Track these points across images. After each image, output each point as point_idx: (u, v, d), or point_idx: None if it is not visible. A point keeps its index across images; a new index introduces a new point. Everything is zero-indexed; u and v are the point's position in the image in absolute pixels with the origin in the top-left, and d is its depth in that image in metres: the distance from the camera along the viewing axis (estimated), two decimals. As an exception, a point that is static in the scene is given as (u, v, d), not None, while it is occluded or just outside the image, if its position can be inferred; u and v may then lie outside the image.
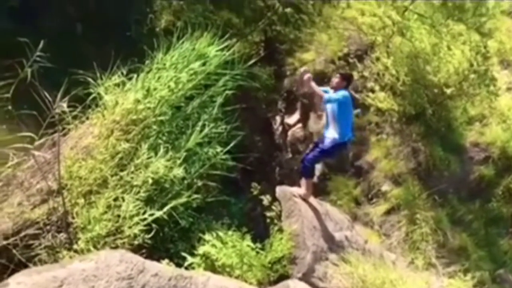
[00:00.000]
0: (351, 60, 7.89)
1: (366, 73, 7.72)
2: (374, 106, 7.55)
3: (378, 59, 7.81)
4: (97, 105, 5.73)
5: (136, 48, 6.95)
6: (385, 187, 7.17)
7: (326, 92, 5.76)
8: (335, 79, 5.85)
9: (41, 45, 5.13)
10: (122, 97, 5.67)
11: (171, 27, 7.46)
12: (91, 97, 5.74)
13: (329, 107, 5.68)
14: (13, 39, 6.41)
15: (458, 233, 7.05)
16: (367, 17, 8.17)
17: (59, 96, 5.23)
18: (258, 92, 8.04)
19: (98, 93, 5.82)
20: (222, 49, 6.59)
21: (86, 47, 7.85)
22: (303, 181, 5.81)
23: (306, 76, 5.71)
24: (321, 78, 7.62)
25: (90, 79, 5.95)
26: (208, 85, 6.30)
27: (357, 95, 7.63)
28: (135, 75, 5.99)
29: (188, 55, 6.18)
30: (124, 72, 5.97)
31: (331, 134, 5.64)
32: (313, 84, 5.70)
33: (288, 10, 8.57)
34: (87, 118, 5.59)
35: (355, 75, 7.70)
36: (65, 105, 5.15)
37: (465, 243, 6.98)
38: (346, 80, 5.82)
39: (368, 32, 8.00)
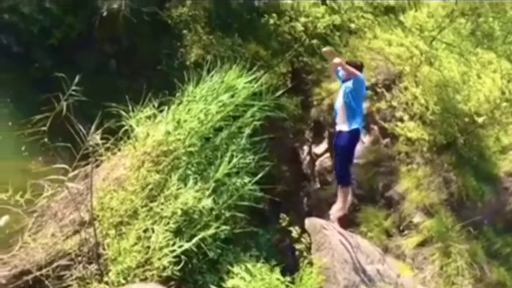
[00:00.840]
0: (379, 90, 7.87)
1: (394, 103, 7.67)
2: (404, 135, 7.45)
3: (406, 88, 7.76)
4: (129, 137, 5.88)
5: (167, 81, 7.16)
6: (416, 219, 6.99)
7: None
8: (347, 69, 5.93)
9: (76, 80, 5.34)
10: (153, 129, 5.81)
11: (201, 60, 7.65)
12: (123, 129, 5.91)
13: (341, 95, 5.80)
14: (51, 75, 6.74)
15: (495, 267, 6.77)
16: (394, 47, 8.17)
17: (92, 128, 5.42)
18: (286, 122, 8.09)
19: (130, 125, 5.99)
20: (250, 81, 6.71)
21: (119, 81, 8.14)
22: (339, 191, 5.79)
23: (336, 59, 5.76)
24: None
25: (122, 112, 6.14)
26: (236, 116, 6.39)
27: (385, 125, 7.58)
28: (166, 108, 6.14)
29: (217, 88, 6.31)
30: (156, 105, 6.14)
31: (343, 127, 5.74)
32: (344, 64, 5.79)
33: (315, 41, 8.68)
34: (119, 150, 5.73)
35: (384, 104, 7.68)
36: (98, 137, 5.32)
37: (503, 278, 6.69)
38: (357, 68, 6.00)
39: (395, 62, 7.99)
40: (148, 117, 6.07)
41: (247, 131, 6.15)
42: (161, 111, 6.14)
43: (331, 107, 7.75)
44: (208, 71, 6.56)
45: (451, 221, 6.89)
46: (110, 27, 8.21)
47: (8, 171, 6.09)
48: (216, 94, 6.24)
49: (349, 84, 5.90)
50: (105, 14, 7.88)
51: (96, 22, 8.01)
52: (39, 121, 5.67)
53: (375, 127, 7.69)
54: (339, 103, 6.04)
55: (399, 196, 7.23)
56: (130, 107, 6.15)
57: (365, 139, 7.63)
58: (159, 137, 5.61)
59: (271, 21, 8.69)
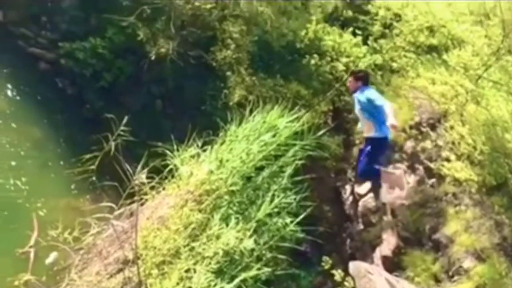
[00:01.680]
0: (423, 129, 7.72)
1: (440, 142, 7.48)
2: (451, 176, 7.21)
3: (452, 127, 7.57)
4: (173, 176, 6.02)
5: (210, 121, 7.34)
6: (467, 264, 6.64)
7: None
8: (349, 83, 5.95)
9: (124, 121, 5.58)
10: (196, 168, 5.93)
11: (243, 101, 7.80)
12: (168, 169, 6.06)
13: (358, 108, 5.75)
14: (101, 115, 7.08)
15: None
16: (438, 86, 8.04)
17: (139, 167, 5.60)
18: (327, 162, 8.03)
19: (175, 165, 6.14)
20: (292, 121, 6.77)
21: (165, 121, 8.41)
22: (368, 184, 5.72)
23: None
24: (392, 147, 7.52)
25: (167, 151, 6.32)
26: (278, 156, 6.43)
27: (431, 165, 7.38)
28: (209, 147, 6.28)
29: (259, 127, 6.40)
30: (199, 144, 6.29)
31: (370, 133, 5.79)
32: (394, 117, 5.94)
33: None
34: (164, 189, 5.86)
35: (429, 144, 7.50)
36: (144, 176, 5.49)
37: None
38: (361, 79, 5.95)
39: (440, 101, 7.85)
40: (192, 156, 6.21)
41: (289, 170, 6.16)
42: (205, 150, 6.28)
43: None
44: (251, 111, 6.68)
45: (505, 267, 6.49)
46: (157, 70, 8.57)
47: (59, 208, 6.34)
48: (258, 133, 6.33)
49: (357, 95, 6.09)
50: (153, 58, 8.24)
51: (145, 65, 8.38)
52: (89, 160, 5.93)
53: (420, 167, 7.50)
54: (357, 112, 6.02)
55: (447, 239, 6.93)
56: (174, 146, 6.33)
57: (410, 179, 7.45)
58: (202, 176, 5.71)
59: (313, 61, 8.81)
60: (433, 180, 7.31)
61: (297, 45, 9.09)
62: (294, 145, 6.50)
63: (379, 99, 6.06)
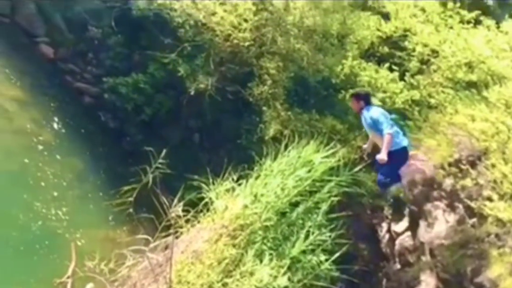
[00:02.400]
0: (463, 167, 7.49)
1: (481, 181, 7.23)
2: (493, 216, 6.93)
3: (493, 166, 7.31)
4: (208, 210, 6.06)
5: (246, 155, 7.41)
6: (512, 310, 6.30)
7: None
8: (352, 104, 5.91)
9: (163, 154, 5.71)
10: (231, 202, 5.94)
11: (279, 135, 7.88)
12: (203, 202, 6.12)
13: (367, 127, 6.02)
14: (141, 148, 7.28)
15: None
16: (478, 123, 7.85)
17: (175, 200, 5.68)
18: (363, 198, 7.90)
19: (210, 198, 6.19)
20: (327, 156, 6.73)
21: (201, 154, 8.58)
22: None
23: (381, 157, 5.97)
24: (430, 184, 7.33)
25: (203, 184, 6.39)
26: (313, 192, 6.37)
27: (472, 204, 7.13)
28: (244, 181, 6.30)
29: (295, 162, 6.39)
30: (235, 178, 6.33)
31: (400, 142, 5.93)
32: (385, 150, 5.93)
33: (393, 116, 8.62)
34: (199, 222, 5.90)
35: (469, 182, 7.27)
36: (179, 209, 5.55)
37: None
38: (362, 99, 5.87)
39: (480, 138, 7.63)
40: (227, 190, 6.24)
41: (324, 207, 6.08)
42: (240, 184, 6.30)
43: (411, 183, 7.51)
44: (286, 146, 6.70)
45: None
46: (196, 104, 8.82)
47: (96, 239, 6.49)
48: (293, 168, 6.31)
49: (364, 114, 6.21)
50: (192, 93, 8.49)
51: (184, 100, 8.64)
52: (127, 192, 6.06)
53: (460, 206, 7.25)
54: (368, 131, 6.28)
55: (491, 283, 6.60)
56: (210, 180, 6.39)
57: (450, 218, 7.21)
58: (237, 211, 5.72)
59: (348, 96, 8.83)
60: (474, 219, 7.04)
61: (332, 80, 9.16)
62: (330, 181, 6.42)
63: (380, 123, 6.07)
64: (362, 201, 7.94)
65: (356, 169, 7.07)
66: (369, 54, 9.81)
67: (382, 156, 6.09)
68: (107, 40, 9.42)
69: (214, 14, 8.71)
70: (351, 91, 6.66)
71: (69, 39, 9.46)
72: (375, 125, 6.21)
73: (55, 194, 7.10)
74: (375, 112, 6.27)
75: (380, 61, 9.49)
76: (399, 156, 6.10)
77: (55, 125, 8.31)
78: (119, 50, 9.32)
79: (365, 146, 7.08)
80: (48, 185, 7.15)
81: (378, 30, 9.59)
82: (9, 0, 9.22)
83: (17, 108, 7.90)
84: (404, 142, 6.14)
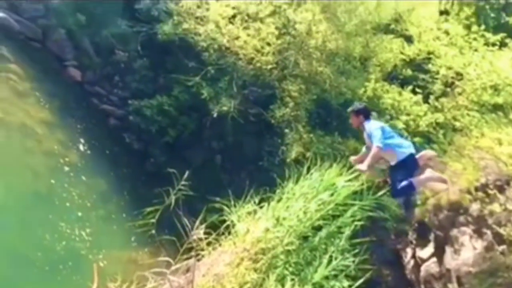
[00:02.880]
0: (490, 191, 7.31)
1: (510, 206, 7.03)
2: (523, 242, 6.72)
3: (522, 190, 7.14)
4: (229, 233, 6.04)
5: (268, 177, 7.40)
6: None
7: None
8: (351, 120, 5.80)
9: (185, 175, 5.75)
10: (253, 225, 5.91)
11: (301, 158, 7.85)
12: (225, 225, 6.10)
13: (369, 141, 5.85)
14: (164, 170, 7.36)
15: None
16: (505, 147, 7.68)
17: (197, 223, 5.69)
18: (387, 223, 7.76)
19: (232, 221, 6.17)
20: (350, 179, 6.66)
21: (223, 176, 8.62)
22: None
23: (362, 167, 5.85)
24: (456, 209, 7.16)
25: (225, 207, 6.39)
26: (336, 216, 6.30)
27: (501, 230, 6.92)
28: (266, 204, 6.28)
29: (317, 186, 6.34)
30: (256, 201, 6.31)
31: (394, 161, 5.80)
32: (368, 161, 5.83)
33: (417, 139, 8.52)
34: (220, 245, 5.88)
35: (497, 207, 7.08)
36: (201, 232, 5.56)
37: None
38: (361, 114, 5.77)
39: (508, 162, 7.45)
40: (249, 213, 6.22)
41: (347, 231, 5.98)
42: (262, 207, 6.27)
43: (436, 207, 7.35)
44: (308, 169, 6.66)
45: None
46: (218, 126, 8.90)
47: (119, 261, 6.53)
48: (316, 192, 6.25)
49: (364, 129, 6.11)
50: (215, 115, 8.59)
51: (207, 122, 8.73)
52: (149, 214, 6.10)
53: (488, 232, 7.04)
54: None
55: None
56: (232, 202, 6.39)
57: (477, 244, 7.00)
58: (259, 234, 5.68)
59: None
60: (504, 246, 6.82)
61: (356, 103, 9.12)
62: (353, 205, 6.34)
63: (373, 136, 6.02)
64: (386, 226, 7.80)
65: (380, 193, 6.98)
66: (392, 77, 9.78)
67: (362, 167, 6.02)
68: (133, 64, 9.65)
69: (237, 38, 8.85)
70: (349, 108, 6.59)
71: (96, 62, 9.75)
72: (371, 138, 6.18)
73: (80, 214, 7.21)
74: (373, 125, 6.21)
75: (403, 84, 9.44)
76: (407, 164, 6.06)
77: (81, 147, 8.49)
78: (144, 73, 9.54)
79: (353, 157, 6.94)
80: (73, 205, 7.27)
81: (401, 53, 9.57)
82: (40, 26, 9.56)
83: (45, 130, 8.11)
84: (410, 149, 6.10)
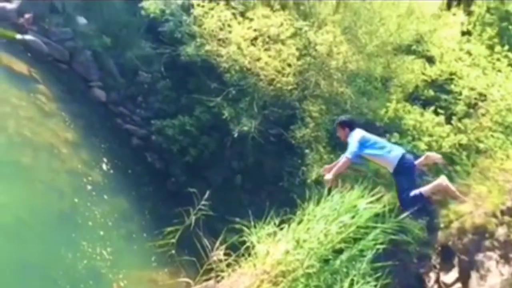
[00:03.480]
0: (517, 215, 7.14)
1: (538, 231, 6.84)
2: (552, 269, 6.50)
3: (551, 215, 6.94)
4: (249, 254, 6.00)
5: (288, 197, 7.37)
6: None
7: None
8: (338, 133, 5.63)
9: (207, 195, 5.78)
10: (273, 247, 5.87)
11: (321, 178, 7.80)
12: (245, 246, 6.08)
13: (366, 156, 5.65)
14: (184, 189, 7.42)
15: None
16: (532, 169, 7.52)
17: (217, 243, 5.68)
18: (410, 246, 7.60)
19: (251, 242, 6.14)
20: (372, 201, 6.58)
21: (243, 196, 8.63)
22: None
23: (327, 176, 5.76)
24: (482, 233, 6.98)
25: (244, 227, 6.37)
26: (357, 239, 6.21)
27: (527, 255, 6.72)
28: (286, 225, 6.23)
29: (339, 208, 6.27)
30: (276, 222, 6.27)
31: (390, 168, 5.63)
32: (334, 171, 5.78)
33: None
34: (240, 267, 5.84)
35: (524, 232, 6.89)
36: (221, 253, 5.54)
37: None
38: (346, 126, 5.61)
39: (534, 185, 7.29)
40: (269, 235, 6.18)
41: (369, 255, 5.88)
42: (282, 228, 6.23)
43: (460, 231, 7.18)
44: (329, 190, 6.61)
45: None
46: (239, 146, 8.95)
47: (138, 280, 6.56)
48: (337, 214, 6.18)
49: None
50: (236, 135, 8.65)
51: (228, 142, 8.79)
52: (170, 233, 6.13)
53: (515, 257, 6.85)
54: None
55: None
56: (252, 223, 6.36)
57: (504, 270, 6.81)
58: (279, 256, 5.62)
59: (393, 140, 8.70)
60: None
61: (376, 123, 9.08)
62: (375, 227, 6.24)
63: (350, 146, 5.89)
64: (409, 249, 7.63)
65: (403, 216, 6.87)
66: (413, 98, 9.71)
67: (328, 177, 5.92)
68: (156, 84, 9.85)
69: (259, 59, 8.95)
70: (337, 120, 6.48)
71: (120, 83, 9.98)
72: (364, 146, 6.02)
73: (102, 233, 7.29)
74: (354, 135, 6.06)
75: (425, 105, 9.36)
76: (404, 168, 5.90)
77: (104, 166, 8.64)
78: (167, 93, 9.71)
79: (326, 166, 6.79)
80: (95, 224, 7.36)
81: (423, 73, 9.51)
82: (68, 48, 9.87)
83: (70, 150, 8.29)
84: (399, 151, 5.93)
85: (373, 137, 6.10)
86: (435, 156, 6.04)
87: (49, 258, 6.48)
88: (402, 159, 5.97)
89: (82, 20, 10.21)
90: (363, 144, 5.91)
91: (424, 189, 6.00)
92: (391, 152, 6.00)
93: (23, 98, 8.42)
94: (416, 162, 5.83)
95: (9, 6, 9.67)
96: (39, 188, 7.34)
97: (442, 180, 6.07)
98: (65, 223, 7.13)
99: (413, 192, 5.95)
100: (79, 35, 9.91)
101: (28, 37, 9.46)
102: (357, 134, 6.01)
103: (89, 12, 10.31)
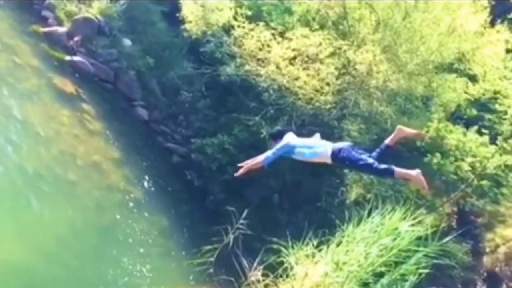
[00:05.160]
0: None
1: None
2: None
3: None
4: (287, 275, 5.95)
5: (326, 218, 7.30)
6: None
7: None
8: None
9: (245, 214, 5.79)
10: (311, 268, 5.79)
11: (361, 199, 7.70)
12: (283, 267, 6.03)
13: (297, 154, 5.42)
14: (222, 207, 7.46)
15: None
16: None
17: (255, 263, 5.66)
18: (454, 271, 7.35)
19: (289, 263, 6.09)
20: (413, 224, 6.41)
21: (280, 215, 8.60)
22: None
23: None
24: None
25: (282, 248, 6.32)
26: (398, 262, 6.05)
27: None
28: (324, 247, 6.15)
29: (379, 230, 6.14)
30: (315, 243, 6.20)
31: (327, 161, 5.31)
32: (247, 166, 5.56)
33: (484, 182, 8.13)
34: (277, 288, 5.79)
35: None
36: (259, 273, 5.52)
37: None
38: (277, 137, 5.43)
39: None
40: (307, 256, 6.11)
41: (411, 279, 5.71)
42: (320, 250, 6.15)
43: (508, 256, 6.91)
44: (370, 212, 6.50)
45: None
46: (277, 165, 8.90)
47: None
48: (378, 236, 6.05)
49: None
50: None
51: (268, 163, 8.80)
52: (208, 252, 6.16)
53: None
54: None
55: None
56: (289, 243, 6.31)
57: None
58: (317, 278, 5.55)
59: (434, 160, 8.51)
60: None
61: (417, 143, 8.90)
62: (417, 251, 6.06)
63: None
64: (453, 274, 7.40)
65: (447, 239, 6.64)
66: (455, 117, 9.49)
67: (240, 172, 5.77)
68: (197, 104, 10.04)
69: (297, 78, 8.98)
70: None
71: (162, 102, 10.25)
72: (290, 151, 5.87)
73: (141, 250, 7.41)
74: (282, 141, 5.96)
75: (468, 124, 9.13)
76: (342, 158, 5.67)
77: (145, 183, 8.83)
78: (207, 112, 9.88)
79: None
80: (135, 241, 7.50)
81: (466, 92, 9.29)
82: (113, 69, 10.23)
83: (112, 166, 8.53)
84: (328, 146, 5.73)
85: (300, 141, 5.94)
86: (406, 130, 5.73)
87: (91, 273, 6.64)
88: (335, 152, 5.80)
89: (127, 41, 10.60)
90: (288, 148, 5.83)
91: (387, 141, 5.71)
92: (318, 149, 5.84)
93: (70, 116, 8.76)
94: (387, 140, 5.61)
95: (60, 29, 10.18)
96: (83, 204, 7.57)
97: (398, 127, 5.76)
98: (106, 239, 7.30)
99: (375, 152, 5.71)
100: (124, 56, 10.27)
101: (76, 58, 9.89)
102: (283, 140, 5.94)
103: (134, 34, 10.68)
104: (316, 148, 5.84)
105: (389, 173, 5.51)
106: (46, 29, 10.10)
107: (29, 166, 7.19)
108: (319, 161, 5.93)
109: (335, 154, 5.78)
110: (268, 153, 5.81)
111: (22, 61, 8.96)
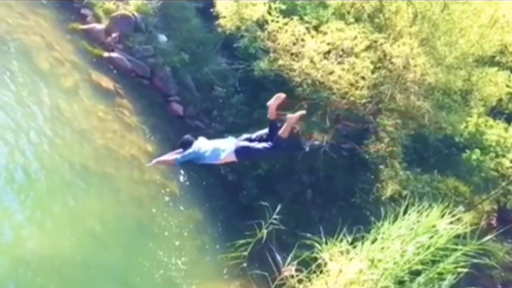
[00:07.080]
0: None
1: None
2: None
3: None
4: (321, 271, 5.92)
5: (360, 214, 7.22)
6: None
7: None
8: None
9: (278, 209, 5.79)
10: (346, 265, 5.75)
11: (397, 196, 7.56)
12: (316, 263, 6.00)
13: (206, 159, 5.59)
14: (256, 202, 7.50)
15: None
16: None
17: (288, 259, 5.66)
18: (494, 271, 7.13)
19: (323, 259, 6.05)
20: (452, 222, 6.25)
21: (313, 211, 8.56)
22: None
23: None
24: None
25: (315, 243, 6.29)
26: (435, 261, 5.91)
27: None
28: (359, 243, 6.08)
29: (416, 227, 6.02)
30: (349, 240, 6.14)
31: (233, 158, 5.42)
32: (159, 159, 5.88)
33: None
34: (311, 284, 5.78)
35: None
36: (293, 268, 5.52)
37: None
38: (186, 145, 5.63)
39: None
40: (341, 252, 6.06)
41: (449, 278, 5.57)
42: (354, 246, 6.09)
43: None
44: (406, 208, 6.37)
45: None
46: (310, 160, 8.90)
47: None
48: (414, 234, 5.94)
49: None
50: (307, 149, 8.61)
51: (299, 156, 8.78)
52: (241, 246, 6.20)
53: None
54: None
55: None
56: (323, 239, 6.27)
57: None
58: (352, 275, 5.51)
59: (474, 156, 8.26)
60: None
61: (455, 138, 8.66)
62: (455, 250, 5.91)
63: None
64: (493, 274, 7.18)
65: (487, 238, 6.44)
66: (496, 111, 9.17)
67: (152, 163, 6.05)
68: (231, 99, 10.09)
69: (331, 73, 8.87)
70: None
71: (197, 97, 10.35)
72: (197, 156, 5.75)
73: (177, 243, 7.54)
74: (192, 147, 5.85)
75: (509, 119, 8.81)
76: (246, 154, 5.56)
77: (181, 178, 8.96)
78: (240, 107, 9.91)
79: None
80: (171, 234, 7.63)
81: (508, 86, 8.93)
82: (149, 65, 10.41)
83: (148, 161, 8.66)
84: (231, 144, 5.61)
85: (209, 144, 5.83)
86: (292, 117, 5.57)
87: (128, 265, 6.81)
88: (238, 150, 5.71)
89: (162, 37, 10.76)
90: (195, 155, 5.74)
91: (280, 133, 5.56)
92: (222, 151, 5.73)
93: (108, 112, 8.98)
94: (280, 131, 5.50)
95: (98, 26, 10.43)
96: (121, 197, 7.76)
97: (288, 116, 5.59)
98: (143, 232, 7.46)
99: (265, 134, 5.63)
100: (160, 52, 10.43)
101: (114, 54, 10.12)
102: (193, 147, 5.88)
103: (169, 30, 10.82)
104: (221, 150, 5.87)
105: (279, 141, 5.51)
106: (85, 26, 10.36)
107: (66, 160, 7.42)
108: (226, 161, 5.93)
109: (238, 152, 5.80)
110: (178, 157, 5.91)
111: (62, 57, 9.24)
